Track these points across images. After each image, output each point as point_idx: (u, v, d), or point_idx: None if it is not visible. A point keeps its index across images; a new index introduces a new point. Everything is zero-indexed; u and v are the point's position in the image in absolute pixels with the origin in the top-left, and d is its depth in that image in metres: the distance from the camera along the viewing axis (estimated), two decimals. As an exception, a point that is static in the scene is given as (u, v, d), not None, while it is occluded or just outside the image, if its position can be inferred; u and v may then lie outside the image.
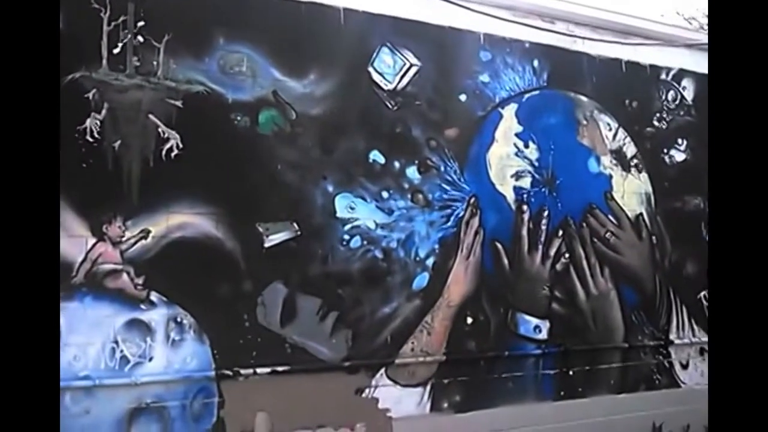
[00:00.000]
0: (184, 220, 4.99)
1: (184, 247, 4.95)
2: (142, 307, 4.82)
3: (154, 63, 5.00)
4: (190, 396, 4.92)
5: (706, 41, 7.45)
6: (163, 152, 4.96)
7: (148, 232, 4.87)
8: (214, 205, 5.10)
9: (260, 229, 5.26)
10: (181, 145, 5.00)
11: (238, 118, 5.27)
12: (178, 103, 5.05)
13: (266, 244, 5.27)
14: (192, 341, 4.95)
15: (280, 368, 5.17)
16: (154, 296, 4.86)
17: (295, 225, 5.38)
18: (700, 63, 7.68)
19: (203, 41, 5.20)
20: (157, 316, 4.87)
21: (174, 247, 4.94)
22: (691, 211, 7.52)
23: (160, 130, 4.97)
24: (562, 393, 6.43)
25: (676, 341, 7.20)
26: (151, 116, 4.96)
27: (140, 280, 4.82)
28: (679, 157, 7.51)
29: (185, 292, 4.94)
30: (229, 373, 5.01)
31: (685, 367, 7.24)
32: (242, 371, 5.05)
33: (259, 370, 5.10)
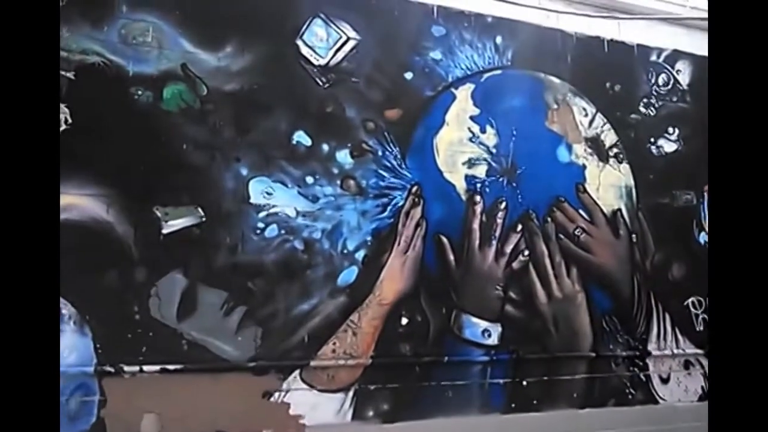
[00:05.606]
0: (70, 202, 4.59)
1: (69, 231, 4.49)
2: (16, 294, 4.44)
3: (46, 31, 4.61)
4: (67, 393, 4.49)
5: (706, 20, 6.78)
6: (52, 127, 4.57)
7: (28, 213, 4.48)
8: (105, 186, 4.69)
9: (158, 214, 4.82)
10: (70, 120, 4.61)
11: (139, 92, 4.87)
12: (70, 75, 4.67)
13: (164, 230, 4.83)
14: (71, 333, 4.53)
15: (171, 366, 4.71)
16: (30, 283, 4.47)
17: (199, 210, 4.93)
18: (696, 44, 6.93)
19: (103, 8, 4.82)
20: (32, 304, 4.47)
21: (57, 231, 4.53)
22: (680, 208, 6.74)
23: (50, 103, 4.58)
24: (512, 405, 5.76)
25: (655, 352, 6.42)
26: (39, 88, 4.57)
27: (16, 266, 4.44)
28: (669, 147, 6.74)
29: (66, 279, 4.44)
30: (111, 369, 4.58)
31: (665, 381, 6.47)
32: (126, 368, 4.61)
33: (146, 368, 4.64)
